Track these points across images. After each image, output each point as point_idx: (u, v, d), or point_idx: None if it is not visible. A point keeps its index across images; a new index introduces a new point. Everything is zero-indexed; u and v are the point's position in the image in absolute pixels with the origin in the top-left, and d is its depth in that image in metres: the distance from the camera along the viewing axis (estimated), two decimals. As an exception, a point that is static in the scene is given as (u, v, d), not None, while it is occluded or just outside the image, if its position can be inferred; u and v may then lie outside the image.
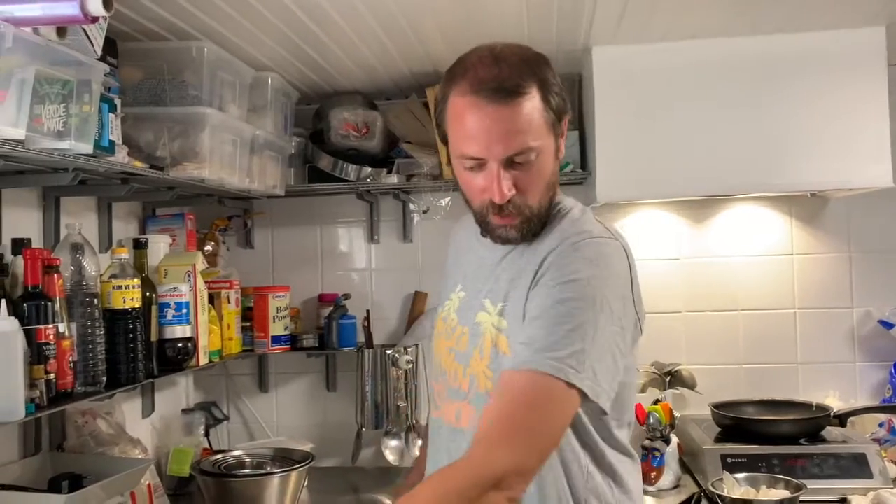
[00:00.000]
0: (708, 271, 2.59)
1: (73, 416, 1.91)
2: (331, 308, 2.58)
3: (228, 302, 2.35)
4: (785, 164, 2.20)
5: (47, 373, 1.50)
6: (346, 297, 2.60)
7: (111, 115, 1.57)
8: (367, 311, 2.60)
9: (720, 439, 2.23)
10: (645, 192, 2.28)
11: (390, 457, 2.49)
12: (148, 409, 2.33)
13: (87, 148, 1.42)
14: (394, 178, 2.51)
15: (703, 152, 2.19)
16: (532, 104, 1.21)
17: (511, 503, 1.09)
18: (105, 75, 1.51)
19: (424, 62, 2.30)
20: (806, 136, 2.19)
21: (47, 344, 1.51)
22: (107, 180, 1.87)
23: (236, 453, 2.22)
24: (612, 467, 1.28)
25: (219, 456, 2.20)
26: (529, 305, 1.22)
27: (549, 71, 1.27)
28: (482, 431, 1.13)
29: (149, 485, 1.94)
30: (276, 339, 2.49)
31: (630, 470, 1.33)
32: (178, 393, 2.57)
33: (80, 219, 1.94)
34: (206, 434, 2.45)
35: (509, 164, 1.22)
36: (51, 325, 1.52)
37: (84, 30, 1.37)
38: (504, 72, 1.20)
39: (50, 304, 1.53)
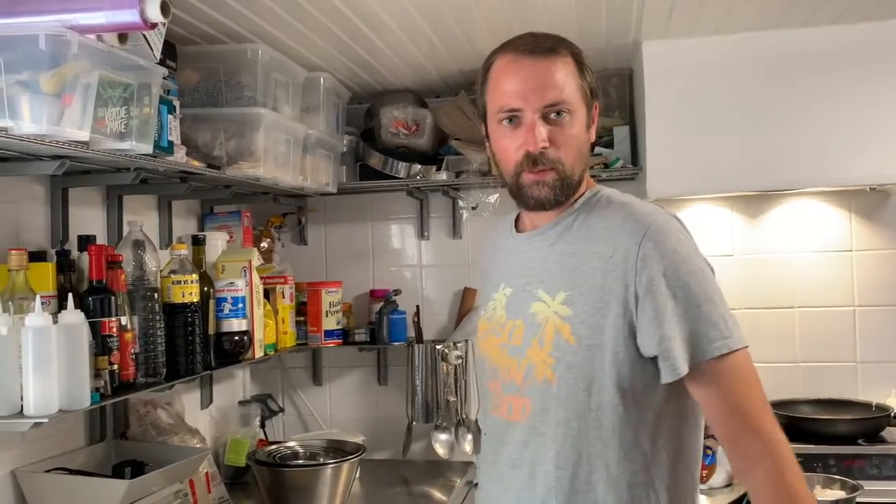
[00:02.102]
0: (763, 267, 2.54)
1: (135, 405, 1.99)
2: (382, 303, 2.62)
3: (283, 297, 2.41)
4: (843, 158, 2.15)
5: (111, 364, 1.57)
6: (397, 292, 2.64)
7: (170, 117, 1.63)
8: (418, 307, 2.64)
9: (774, 438, 2.19)
10: (697, 187, 2.26)
11: (440, 450, 2.52)
12: (206, 401, 2.41)
13: (147, 148, 1.48)
14: (443, 176, 2.54)
15: (756, 146, 2.16)
16: (566, 67, 1.30)
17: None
18: (164, 78, 1.57)
19: (473, 60, 2.31)
20: (865, 128, 2.13)
21: (111, 336, 1.58)
22: (166, 179, 1.94)
23: (290, 444, 2.27)
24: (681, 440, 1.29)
25: (274, 447, 2.25)
26: (658, 298, 1.21)
27: (583, 55, 1.35)
28: (727, 443, 1.23)
29: (206, 473, 2.00)
30: (329, 334, 2.54)
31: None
32: (235, 385, 2.65)
33: (141, 216, 2.02)
34: (262, 425, 2.52)
35: (545, 118, 1.28)
36: (114, 318, 1.58)
37: (144, 36, 1.43)
38: (540, 38, 1.32)
39: (113, 297, 1.60)
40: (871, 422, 2.16)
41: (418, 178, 2.53)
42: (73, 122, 1.26)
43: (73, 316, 1.45)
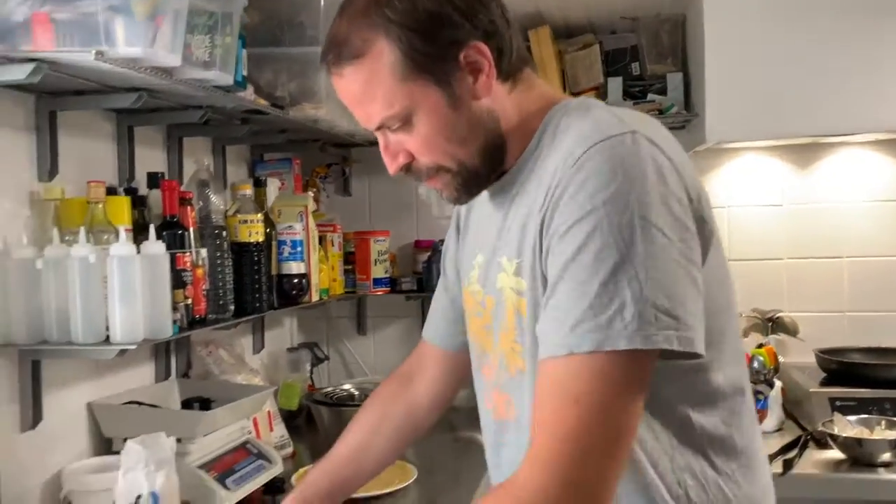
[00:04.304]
0: (812, 217, 2.53)
1: (197, 346, 2.01)
2: (429, 253, 2.62)
3: (332, 245, 2.42)
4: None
5: (186, 297, 1.59)
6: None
7: (243, 51, 1.62)
8: (465, 256, 2.64)
9: (826, 383, 2.21)
10: (756, 131, 2.23)
11: (488, 397, 2.54)
12: (258, 346, 2.43)
13: (229, 79, 1.48)
14: (492, 124, 2.52)
15: (818, 90, 2.12)
16: (373, 66, 0.95)
17: None
18: (240, 11, 1.56)
19: (526, 2, 2.28)
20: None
21: (185, 270, 1.59)
22: (228, 119, 1.94)
23: (346, 387, 2.30)
24: (707, 431, 0.98)
25: (329, 389, 2.29)
26: (549, 261, 0.91)
27: (412, 10, 0.94)
28: (530, 446, 0.89)
29: (269, 412, 2.03)
30: (378, 282, 2.56)
31: (738, 424, 1.01)
32: (283, 333, 2.67)
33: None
34: (310, 372, 2.55)
35: (390, 130, 1.00)
36: (188, 253, 1.59)
37: (222, -35, 1.42)
38: (341, 29, 0.98)
39: (187, 233, 1.61)
40: (924, 367, 2.17)
41: (467, 126, 2.51)
42: (165, 45, 1.26)
43: (155, 247, 1.47)
